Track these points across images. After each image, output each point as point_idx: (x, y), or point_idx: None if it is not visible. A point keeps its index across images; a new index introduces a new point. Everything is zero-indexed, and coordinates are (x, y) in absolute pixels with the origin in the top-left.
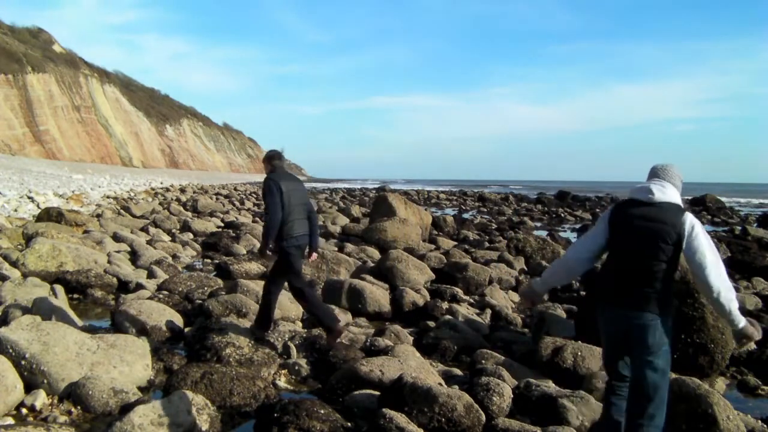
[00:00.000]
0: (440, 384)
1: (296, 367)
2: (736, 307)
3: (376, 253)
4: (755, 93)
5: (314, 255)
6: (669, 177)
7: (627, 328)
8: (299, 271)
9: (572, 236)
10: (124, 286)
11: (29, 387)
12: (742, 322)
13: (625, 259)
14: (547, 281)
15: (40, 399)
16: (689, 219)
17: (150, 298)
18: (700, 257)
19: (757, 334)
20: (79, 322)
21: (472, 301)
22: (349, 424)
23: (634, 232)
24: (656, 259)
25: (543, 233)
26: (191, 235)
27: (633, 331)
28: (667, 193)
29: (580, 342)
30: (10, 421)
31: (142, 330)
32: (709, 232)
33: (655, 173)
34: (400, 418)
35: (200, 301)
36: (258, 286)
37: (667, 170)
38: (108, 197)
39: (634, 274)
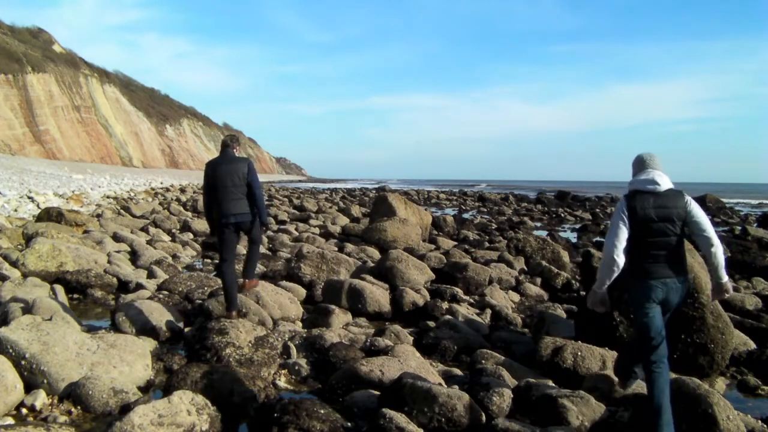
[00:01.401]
0: (440, 384)
1: (296, 367)
2: (724, 264)
3: (376, 253)
4: (755, 93)
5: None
6: (659, 166)
7: (669, 292)
8: (221, 248)
9: (572, 236)
10: (124, 286)
11: (29, 387)
12: (725, 277)
13: (657, 239)
14: (604, 283)
15: (40, 399)
16: (687, 199)
17: (150, 298)
18: (703, 223)
19: (731, 291)
20: (79, 322)
21: (472, 301)
22: (349, 424)
23: (655, 219)
24: (675, 234)
25: (543, 233)
26: (191, 235)
27: (672, 293)
28: (666, 181)
29: (580, 342)
30: (10, 421)
31: (142, 330)
32: None
33: (647, 164)
34: (400, 418)
35: (200, 301)
36: (258, 286)
37: (654, 160)
38: (108, 197)
39: (663, 250)
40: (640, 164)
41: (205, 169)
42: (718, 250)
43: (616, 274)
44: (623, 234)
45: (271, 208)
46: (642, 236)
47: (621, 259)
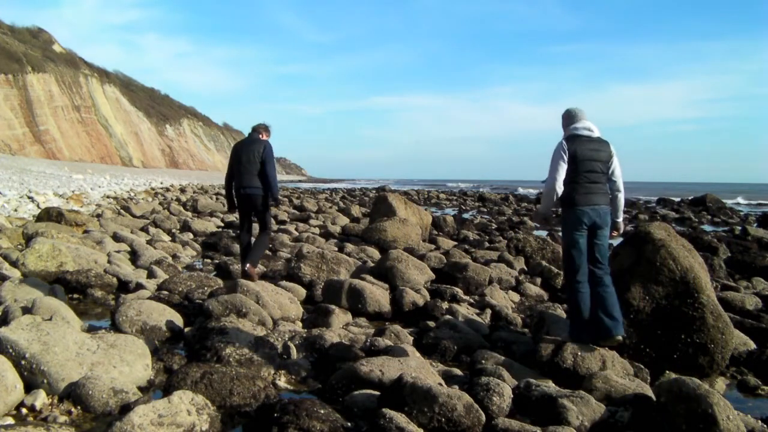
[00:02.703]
0: (440, 384)
1: (296, 367)
2: (623, 208)
3: (376, 253)
4: (755, 93)
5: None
6: (588, 117)
7: (597, 216)
8: (241, 217)
9: None
10: (124, 286)
11: (29, 387)
12: (621, 217)
13: (589, 174)
14: (548, 207)
15: (40, 399)
16: (613, 149)
17: (150, 298)
18: (618, 170)
19: (622, 230)
20: (79, 322)
21: (472, 301)
22: (349, 424)
23: (591, 157)
24: (603, 172)
25: (543, 233)
26: (191, 235)
27: (600, 218)
28: (597, 129)
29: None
30: (10, 421)
31: (142, 330)
32: (709, 232)
33: (580, 116)
34: (400, 418)
35: (200, 301)
36: (258, 286)
37: (584, 112)
38: (108, 197)
39: (596, 183)
40: (574, 116)
41: (231, 149)
42: (622, 196)
43: (552, 204)
44: (563, 169)
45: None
46: (578, 171)
47: (560, 189)
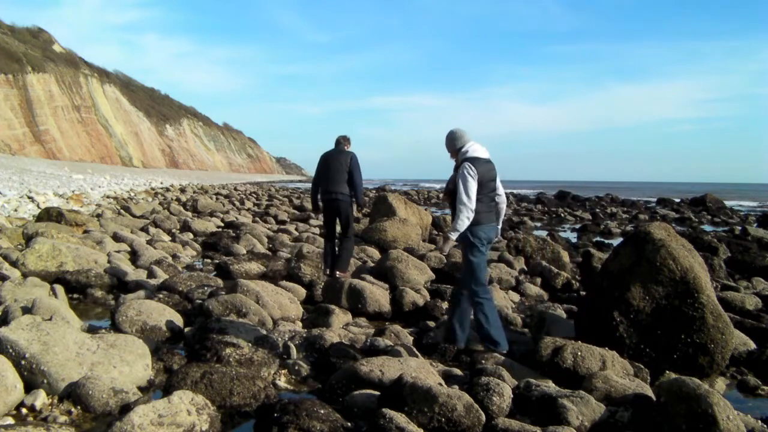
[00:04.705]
0: (440, 384)
1: (296, 367)
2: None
3: (376, 253)
4: (755, 93)
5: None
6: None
7: (493, 234)
8: (325, 223)
9: (572, 236)
10: (124, 286)
11: (29, 387)
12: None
13: (490, 194)
14: (465, 226)
15: (40, 399)
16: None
17: (150, 298)
18: (500, 186)
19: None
20: (79, 322)
21: None
22: (349, 424)
23: (490, 178)
24: (495, 190)
25: (543, 233)
26: (191, 235)
27: (494, 235)
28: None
29: (580, 342)
30: (10, 421)
31: (142, 330)
32: (709, 232)
33: (468, 138)
34: (400, 418)
35: (200, 301)
36: (258, 286)
37: (471, 133)
38: (108, 197)
39: (492, 202)
40: (463, 136)
41: (319, 159)
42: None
43: (468, 223)
44: (475, 188)
45: (271, 208)
46: (482, 191)
47: (474, 209)
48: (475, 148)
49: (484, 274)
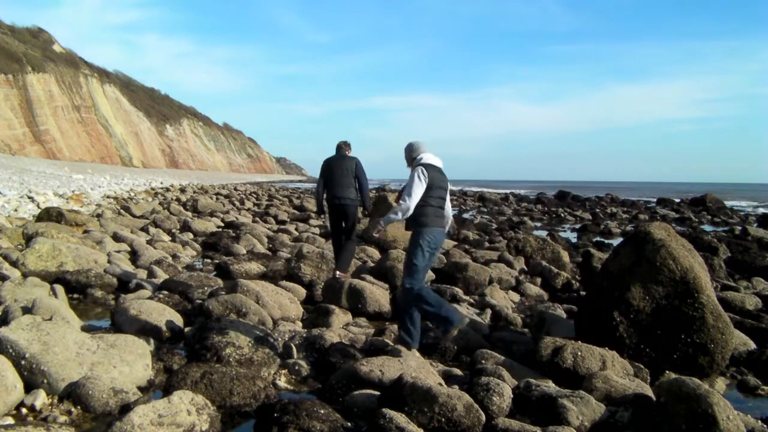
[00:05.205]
0: (440, 384)
1: (296, 367)
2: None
3: (376, 253)
4: (755, 93)
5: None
6: (431, 149)
7: (441, 237)
8: (333, 226)
9: (572, 236)
10: (124, 286)
11: (29, 387)
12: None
13: (438, 200)
14: (392, 222)
15: (40, 399)
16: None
17: (150, 298)
18: (449, 200)
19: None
20: (79, 322)
21: (472, 301)
22: (349, 424)
23: (440, 185)
24: (445, 199)
25: (543, 233)
26: (191, 235)
27: (442, 239)
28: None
29: (580, 342)
30: (10, 421)
31: (142, 330)
32: (709, 232)
33: (424, 149)
34: (400, 418)
35: (200, 301)
36: (258, 285)
37: (427, 145)
38: (108, 197)
39: (442, 208)
40: (420, 147)
41: (322, 164)
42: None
43: (403, 218)
44: (421, 191)
45: (271, 208)
46: (431, 196)
47: (413, 208)
48: (429, 157)
49: (421, 274)
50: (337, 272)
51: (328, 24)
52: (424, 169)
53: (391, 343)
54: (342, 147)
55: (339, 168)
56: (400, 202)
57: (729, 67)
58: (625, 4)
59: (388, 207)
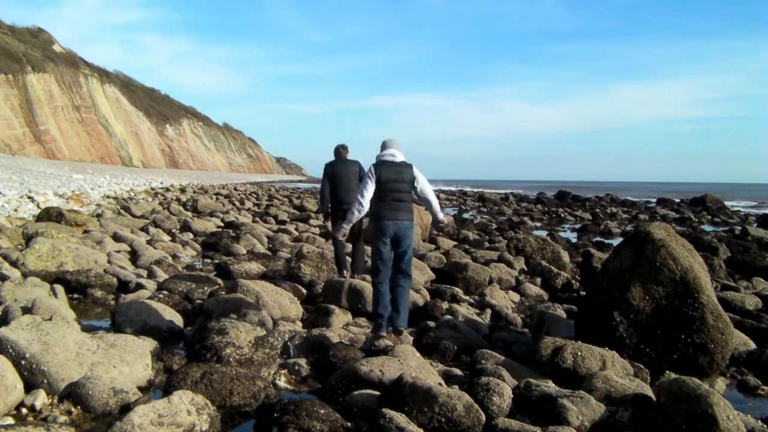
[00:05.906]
0: (440, 384)
1: (296, 367)
2: (439, 210)
3: None
4: (756, 93)
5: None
6: (398, 147)
7: (398, 229)
8: (332, 233)
9: (572, 236)
10: (124, 286)
11: (29, 387)
12: (441, 215)
13: (393, 194)
14: (352, 221)
15: (40, 399)
16: (415, 170)
17: (150, 298)
18: (426, 187)
19: (447, 222)
20: (79, 322)
21: (472, 301)
22: (349, 424)
23: (395, 179)
24: (406, 192)
25: (543, 233)
26: (191, 235)
27: (401, 231)
28: (401, 156)
29: (580, 342)
30: (10, 421)
31: (142, 330)
32: (709, 232)
33: (389, 145)
34: (400, 418)
35: (200, 301)
36: (258, 286)
37: (393, 143)
38: (108, 197)
39: (399, 201)
40: (384, 145)
41: (324, 169)
42: (435, 202)
43: (360, 216)
44: (370, 189)
45: (271, 208)
46: (384, 191)
47: (366, 206)
48: (384, 153)
49: (382, 263)
50: (356, 276)
51: (328, 24)
52: (373, 168)
53: (391, 344)
54: (341, 151)
55: (345, 173)
56: (354, 202)
57: (729, 67)
58: (625, 4)
59: None
